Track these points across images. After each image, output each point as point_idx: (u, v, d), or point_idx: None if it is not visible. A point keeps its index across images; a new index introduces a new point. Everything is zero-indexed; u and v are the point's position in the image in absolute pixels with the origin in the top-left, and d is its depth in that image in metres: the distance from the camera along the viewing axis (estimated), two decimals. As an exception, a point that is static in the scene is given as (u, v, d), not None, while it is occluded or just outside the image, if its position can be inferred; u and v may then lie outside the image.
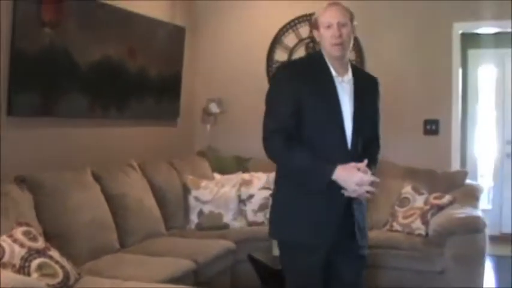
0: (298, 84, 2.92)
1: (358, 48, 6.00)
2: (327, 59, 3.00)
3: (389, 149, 5.68)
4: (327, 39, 2.94)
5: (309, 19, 6.19)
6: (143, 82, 5.71)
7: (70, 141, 4.86)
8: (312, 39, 6.23)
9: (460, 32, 5.88)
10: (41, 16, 4.44)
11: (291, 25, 6.37)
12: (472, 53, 7.68)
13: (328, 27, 2.91)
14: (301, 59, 3.68)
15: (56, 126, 4.71)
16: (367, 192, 2.84)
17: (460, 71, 6.04)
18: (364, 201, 3.06)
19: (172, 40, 6.13)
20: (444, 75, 5.87)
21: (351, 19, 2.98)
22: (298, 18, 6.32)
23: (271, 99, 3.02)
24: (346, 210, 2.92)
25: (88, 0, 4.92)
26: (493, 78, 7.84)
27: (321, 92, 2.93)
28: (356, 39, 5.97)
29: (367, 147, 3.05)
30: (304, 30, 6.30)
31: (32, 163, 4.35)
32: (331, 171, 2.81)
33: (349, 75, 3.01)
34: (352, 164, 2.84)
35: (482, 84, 7.94)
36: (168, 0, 6.24)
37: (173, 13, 6.29)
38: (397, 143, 5.68)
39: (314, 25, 3.02)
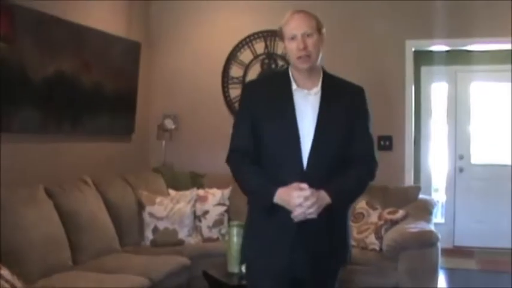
0: (255, 103, 2.79)
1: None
2: (293, 72, 2.81)
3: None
4: (292, 51, 2.75)
5: (264, 35, 6.25)
6: (98, 97, 5.65)
7: (22, 157, 4.77)
8: (267, 55, 6.28)
9: (413, 49, 5.98)
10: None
11: (246, 41, 6.39)
12: (425, 69, 7.81)
13: (293, 38, 2.73)
14: (267, 75, 3.52)
15: (8, 142, 4.61)
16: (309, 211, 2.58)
17: (413, 87, 6.14)
18: (347, 221, 2.92)
19: (127, 55, 6.09)
20: (397, 92, 5.96)
21: (318, 27, 2.77)
22: (253, 34, 6.34)
23: (235, 118, 2.99)
24: (300, 233, 2.68)
25: (43, 15, 4.87)
26: (445, 94, 7.98)
27: (278, 108, 2.74)
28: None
29: (340, 167, 2.73)
30: (259, 47, 6.34)
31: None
32: (272, 193, 2.64)
33: (318, 88, 2.78)
34: (294, 185, 2.60)
35: (435, 99, 8.08)
36: (123, 16, 6.22)
37: (129, 28, 6.26)
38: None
39: (280, 36, 2.83)
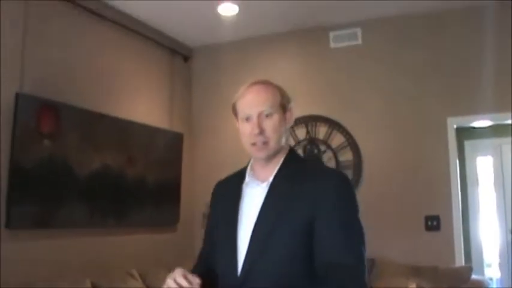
0: (214, 205, 2.33)
1: (355, 148, 6.08)
2: (252, 161, 2.23)
3: (391, 247, 5.70)
4: (244, 135, 2.14)
5: (305, 120, 6.30)
6: (142, 189, 5.73)
7: (69, 252, 4.82)
8: (308, 140, 6.31)
9: (455, 126, 5.94)
10: (40, 129, 4.54)
11: (287, 127, 6.42)
12: (468, 144, 7.76)
13: (247, 119, 2.11)
14: (237, 170, 2.37)
15: (55, 238, 4.69)
16: None
17: (457, 162, 6.06)
18: None
19: (170, 146, 6.21)
20: (441, 169, 5.88)
21: (282, 103, 2.15)
22: (295, 120, 6.35)
23: None
24: None
25: (88, 112, 5.04)
26: (490, 168, 7.87)
27: (224, 210, 2.20)
28: (352, 139, 6.08)
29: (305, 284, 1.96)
30: (301, 132, 6.37)
31: (31, 275, 4.31)
32: None
33: (272, 177, 2.12)
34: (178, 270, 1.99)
35: (481, 173, 7.96)
36: (166, 108, 6.38)
37: (171, 120, 6.41)
38: (398, 241, 5.68)
39: (233, 113, 2.21)
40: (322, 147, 6.27)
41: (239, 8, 5.81)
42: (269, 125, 2.09)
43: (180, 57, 6.77)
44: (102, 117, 5.23)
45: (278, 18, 6.16)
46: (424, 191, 5.86)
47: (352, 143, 6.13)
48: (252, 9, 5.90)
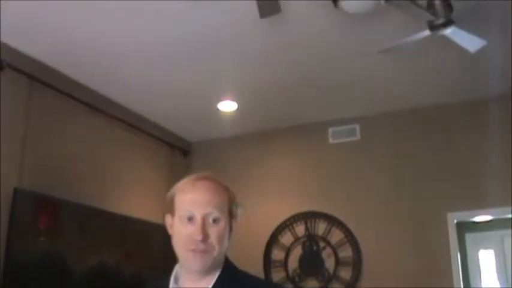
0: None
1: (355, 244, 6.01)
2: (178, 269, 1.89)
3: None
4: (180, 237, 1.80)
5: (304, 217, 6.26)
6: (139, 285, 5.62)
7: None
8: (308, 237, 6.24)
9: (455, 221, 5.89)
10: (38, 224, 4.50)
11: (287, 224, 6.39)
12: (469, 236, 7.68)
13: (189, 219, 1.77)
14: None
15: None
16: None
17: (459, 256, 5.97)
18: None
19: (168, 243, 6.11)
20: (443, 264, 5.77)
21: (230, 208, 1.86)
22: (294, 216, 6.36)
23: None
24: None
25: (87, 208, 5.02)
26: (492, 261, 7.75)
27: None
28: (351, 235, 6.02)
29: None
30: (300, 229, 6.31)
31: None
32: None
33: None
34: None
35: (484, 266, 7.84)
36: (164, 204, 6.34)
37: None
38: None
39: (168, 207, 1.88)
40: (322, 244, 6.20)
41: (238, 105, 5.91)
42: (215, 231, 1.76)
43: (179, 152, 6.81)
44: (99, 213, 5.20)
45: (277, 114, 6.26)
46: (426, 286, 5.74)
47: (351, 239, 6.06)
48: (251, 106, 6.00)
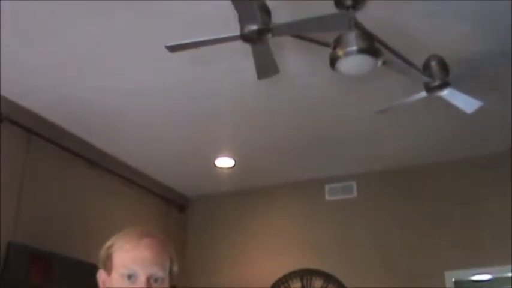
0: None
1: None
2: None
3: None
4: None
5: (300, 274, 6.20)
6: None
7: None
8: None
9: (453, 279, 5.84)
10: (30, 278, 4.47)
11: (282, 281, 6.31)
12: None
13: (129, 277, 1.66)
14: None
15: None
16: None
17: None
18: None
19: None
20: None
21: (171, 265, 1.76)
22: (290, 273, 6.29)
23: None
24: None
25: (79, 262, 4.96)
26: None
27: None
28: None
29: None
30: (296, 287, 6.24)
31: None
32: None
33: None
34: None
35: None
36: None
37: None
38: None
39: (104, 262, 1.74)
40: (320, 302, 6.13)
41: (235, 161, 5.93)
42: None
43: (175, 207, 6.78)
44: (93, 268, 5.12)
45: (274, 171, 6.27)
46: None
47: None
48: (249, 163, 6.02)
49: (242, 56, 3.66)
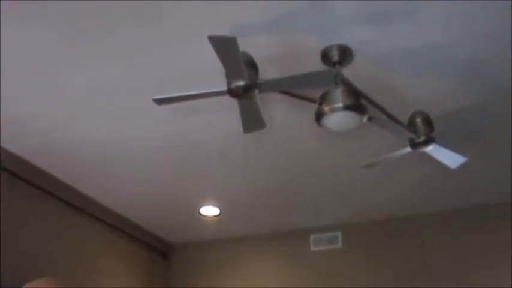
0: None
1: None
2: None
3: None
4: None
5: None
6: None
7: None
8: None
9: None
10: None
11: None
12: None
13: None
14: None
15: None
16: None
17: None
18: None
19: None
20: None
21: None
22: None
23: None
24: None
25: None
26: None
27: None
28: None
29: None
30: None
31: None
32: None
33: None
34: None
35: None
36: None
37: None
38: None
39: None
40: None
41: (221, 210, 5.91)
42: None
43: (159, 255, 6.71)
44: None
45: (259, 220, 6.26)
46: None
47: None
48: (234, 212, 6.01)
49: (229, 108, 3.68)
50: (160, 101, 3.24)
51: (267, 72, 3.28)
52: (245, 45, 3.06)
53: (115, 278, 5.92)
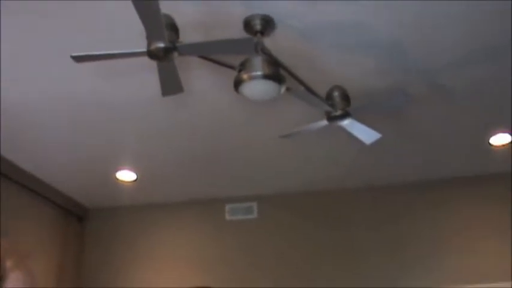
0: None
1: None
2: None
3: None
4: None
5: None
6: None
7: None
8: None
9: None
10: None
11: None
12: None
13: None
14: None
15: None
16: None
17: None
18: None
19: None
20: None
21: None
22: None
23: None
24: None
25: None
26: None
27: None
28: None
29: None
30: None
31: None
32: None
33: None
34: None
35: None
36: (54, 274, 6.11)
37: (58, 284, 6.12)
38: None
39: None
40: None
41: (137, 175, 5.85)
42: None
43: (74, 218, 6.61)
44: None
45: (175, 188, 6.22)
46: None
47: None
48: (151, 178, 5.95)
49: (149, 71, 3.64)
50: (78, 58, 3.17)
51: (191, 38, 3.26)
52: (171, 10, 3.03)
53: (29, 238, 5.79)
